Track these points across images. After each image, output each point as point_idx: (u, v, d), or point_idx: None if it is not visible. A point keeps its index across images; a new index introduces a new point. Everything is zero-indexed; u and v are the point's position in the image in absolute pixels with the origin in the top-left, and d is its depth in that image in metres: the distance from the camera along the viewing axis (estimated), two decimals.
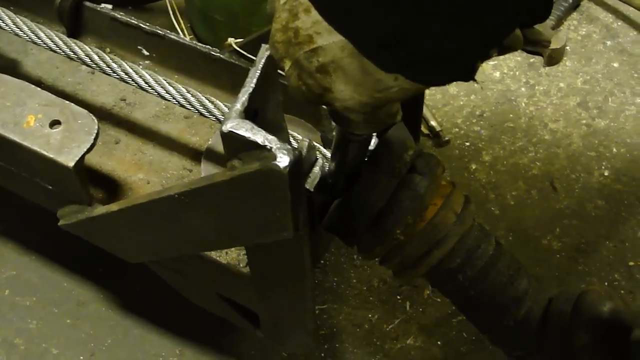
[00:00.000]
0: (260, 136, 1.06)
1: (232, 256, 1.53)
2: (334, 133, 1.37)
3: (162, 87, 1.59)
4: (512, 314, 1.46)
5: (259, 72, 1.16)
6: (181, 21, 2.69)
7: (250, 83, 1.15)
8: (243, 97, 1.12)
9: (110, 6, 1.97)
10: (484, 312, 1.47)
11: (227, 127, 1.07)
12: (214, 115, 1.57)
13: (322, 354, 2.12)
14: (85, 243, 2.06)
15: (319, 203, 1.36)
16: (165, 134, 1.81)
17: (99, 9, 1.96)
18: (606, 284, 2.27)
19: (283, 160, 1.03)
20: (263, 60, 1.18)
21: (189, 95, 1.57)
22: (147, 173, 1.73)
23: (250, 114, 1.13)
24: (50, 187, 1.55)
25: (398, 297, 2.22)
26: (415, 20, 0.89)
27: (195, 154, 1.77)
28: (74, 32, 1.99)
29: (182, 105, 1.58)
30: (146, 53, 1.94)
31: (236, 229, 1.23)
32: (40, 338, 2.19)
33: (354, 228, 1.36)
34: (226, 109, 1.52)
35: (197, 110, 1.57)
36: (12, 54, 2.00)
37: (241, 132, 1.07)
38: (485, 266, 1.42)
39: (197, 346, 2.15)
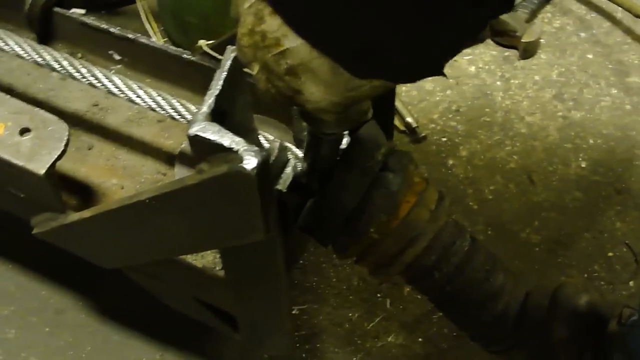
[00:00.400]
0: (226, 139, 1.06)
1: (208, 259, 1.53)
2: (305, 133, 1.37)
3: (132, 91, 1.59)
4: (489, 310, 1.46)
5: (225, 73, 1.16)
6: (153, 24, 2.68)
7: (217, 85, 1.15)
8: (209, 99, 1.12)
9: (82, 11, 1.96)
10: (461, 309, 1.48)
11: (194, 130, 1.07)
12: (185, 118, 1.56)
13: (303, 355, 2.11)
14: (62, 250, 2.05)
15: (292, 204, 1.35)
16: (138, 138, 1.80)
17: (68, 14, 1.94)
18: (586, 275, 2.27)
19: (250, 162, 1.03)
20: (229, 62, 1.18)
21: (159, 99, 1.57)
22: (121, 178, 1.72)
23: (218, 116, 1.12)
24: (22, 196, 1.54)
25: (378, 295, 2.22)
26: (390, 31, 0.89)
27: (169, 158, 1.76)
28: (45, 38, 1.97)
29: (153, 109, 1.57)
30: (117, 57, 1.93)
31: (207, 232, 1.23)
32: (19, 348, 2.17)
33: (328, 228, 1.36)
34: (178, 105, 1.52)
35: (168, 113, 1.56)
36: None
37: (207, 135, 1.07)
38: (461, 262, 1.42)
39: (178, 350, 2.14)
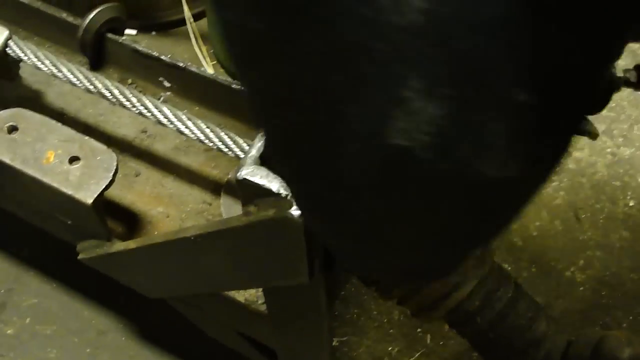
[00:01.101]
0: (275, 184, 1.05)
1: (250, 292, 1.53)
2: None
3: (180, 121, 1.58)
4: (530, 357, 1.44)
5: None
6: (203, 48, 2.69)
7: None
8: (258, 142, 1.12)
9: (134, 32, 1.97)
10: (503, 356, 1.46)
11: (242, 174, 1.07)
12: (232, 151, 1.55)
13: None
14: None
15: None
16: (185, 166, 1.81)
17: (120, 40, 1.96)
18: (630, 317, 2.24)
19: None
20: None
21: (207, 131, 1.56)
22: (166, 206, 1.73)
23: (267, 159, 1.12)
24: (69, 222, 1.56)
25: (419, 329, 2.20)
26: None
27: (215, 187, 1.76)
28: (97, 63, 1.99)
29: (200, 141, 1.57)
30: (167, 84, 1.94)
31: (251, 272, 1.23)
32: None
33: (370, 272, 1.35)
34: (245, 145, 1.51)
35: (215, 145, 1.56)
36: (35, 85, 2.01)
37: (255, 179, 1.06)
38: (504, 309, 1.40)
39: None
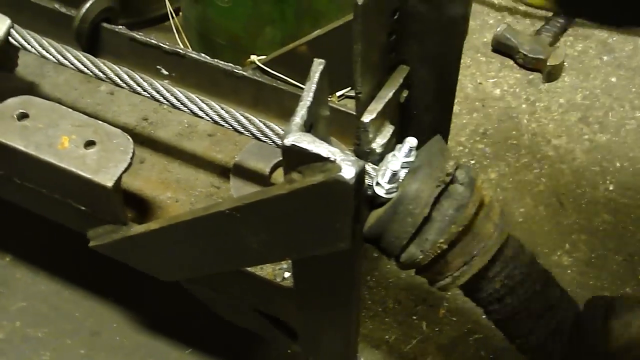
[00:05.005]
0: (323, 148, 1.06)
1: (267, 271, 1.53)
2: (371, 146, 1.39)
3: (194, 104, 1.58)
4: (546, 322, 1.48)
5: (315, 86, 1.17)
6: (186, 41, 2.68)
7: (307, 97, 1.15)
8: (302, 110, 1.13)
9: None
10: (519, 321, 1.49)
11: (290, 140, 1.07)
12: (268, 138, 1.54)
13: None
14: (95, 272, 2.05)
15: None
16: (190, 152, 1.81)
17: (117, 29, 1.96)
18: None
19: (349, 171, 1.04)
20: (317, 75, 1.18)
21: (224, 113, 1.56)
22: (175, 191, 1.73)
23: (307, 127, 1.13)
24: (83, 208, 1.54)
25: (414, 317, 2.22)
26: None
27: (222, 171, 1.77)
28: (91, 53, 1.98)
29: (216, 122, 1.57)
30: (165, 72, 1.94)
31: (289, 242, 1.23)
32: None
33: (397, 238, 1.37)
34: (262, 126, 1.51)
35: (233, 128, 1.55)
36: (29, 76, 1.99)
37: (303, 145, 1.07)
38: (522, 274, 1.44)
39: None
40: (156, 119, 1.89)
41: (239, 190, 1.70)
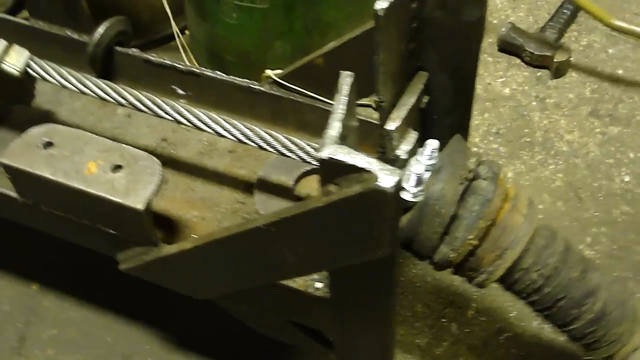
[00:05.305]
0: (360, 159, 1.07)
1: (299, 282, 1.54)
2: (396, 153, 1.41)
3: (217, 124, 1.60)
4: (588, 307, 1.49)
5: (345, 98, 1.18)
6: (193, 60, 2.70)
7: (339, 110, 1.17)
8: (335, 123, 1.14)
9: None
10: (561, 309, 1.50)
11: (326, 153, 1.08)
12: (294, 153, 1.56)
13: None
14: (123, 295, 2.05)
15: None
16: (212, 169, 1.82)
17: (130, 52, 1.97)
18: None
19: (388, 181, 1.05)
20: (347, 87, 1.19)
21: (247, 131, 1.58)
22: (200, 210, 1.74)
23: (341, 139, 1.14)
24: (112, 232, 1.55)
25: (443, 320, 2.23)
26: None
27: (245, 187, 1.78)
28: (106, 77, 1.99)
29: (240, 141, 1.58)
30: (181, 92, 1.95)
31: (326, 253, 1.24)
32: None
33: (428, 239, 1.39)
34: (287, 141, 1.53)
35: (257, 145, 1.56)
36: (45, 105, 2.00)
37: (340, 157, 1.08)
38: (557, 262, 1.46)
39: None
40: (175, 139, 1.90)
41: (264, 205, 1.71)
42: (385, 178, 1.05)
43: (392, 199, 1.06)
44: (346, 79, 1.21)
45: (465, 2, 1.37)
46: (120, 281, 1.73)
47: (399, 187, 1.07)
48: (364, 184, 1.07)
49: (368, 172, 1.07)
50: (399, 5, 1.30)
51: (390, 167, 1.06)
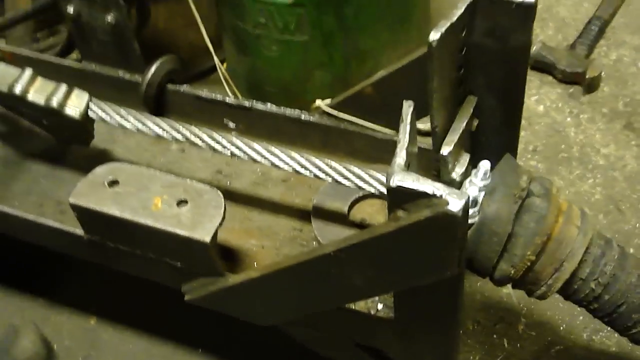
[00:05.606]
0: (428, 185, 1.12)
1: (360, 305, 1.58)
2: (451, 176, 1.46)
3: (274, 155, 1.65)
4: None
5: (409, 127, 1.23)
6: (237, 92, 2.76)
7: (404, 138, 1.22)
8: (401, 151, 1.19)
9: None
10: (622, 314, 1.54)
11: (395, 182, 1.14)
12: (330, 177, 1.61)
13: None
14: (181, 325, 2.10)
15: None
16: (267, 199, 1.88)
17: (181, 90, 2.04)
18: None
19: (456, 205, 1.10)
20: (409, 116, 1.25)
21: (304, 161, 1.63)
22: (259, 238, 1.80)
23: (407, 166, 1.20)
24: (178, 264, 1.60)
25: (494, 335, 2.26)
26: None
27: (301, 214, 1.83)
28: (158, 113, 2.06)
29: (296, 171, 1.63)
30: (232, 125, 2.02)
31: (395, 275, 1.29)
32: None
33: (487, 257, 1.44)
34: (343, 169, 1.58)
35: (314, 174, 1.61)
36: (100, 144, 2.07)
37: (408, 184, 1.13)
38: (614, 269, 1.50)
39: None
40: (230, 171, 1.96)
41: (321, 231, 1.76)
42: (454, 202, 1.10)
43: (460, 221, 1.11)
44: (408, 108, 1.27)
45: (513, 28, 1.42)
46: (179, 312, 1.77)
47: (466, 209, 1.12)
48: (433, 209, 1.12)
49: (436, 197, 1.12)
50: (449, 35, 1.35)
51: (457, 191, 1.11)
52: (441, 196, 1.11)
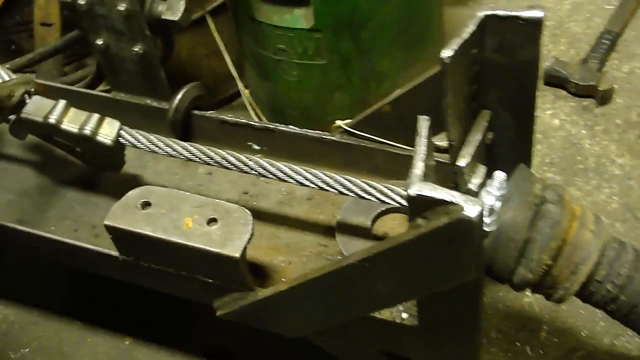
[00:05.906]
0: (445, 194, 1.20)
1: (386, 314, 1.65)
2: (469, 187, 1.53)
3: (299, 174, 1.73)
4: None
5: (425, 140, 1.31)
6: (262, 116, 2.84)
7: (421, 151, 1.29)
8: (418, 163, 1.27)
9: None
10: (639, 314, 1.59)
11: (414, 191, 1.21)
12: (354, 193, 1.69)
13: None
14: (213, 343, 2.16)
15: None
16: (293, 216, 1.96)
17: (207, 115, 2.12)
18: None
19: (472, 210, 1.17)
20: (425, 130, 1.32)
21: (328, 179, 1.71)
22: (286, 255, 1.87)
23: (424, 177, 1.27)
24: (209, 281, 1.67)
25: (517, 343, 2.32)
26: None
27: (326, 230, 1.91)
28: (185, 138, 2.14)
29: (321, 188, 1.71)
30: (257, 147, 2.10)
31: (416, 282, 1.36)
32: None
33: (505, 263, 1.51)
34: (365, 185, 1.66)
35: (337, 191, 1.69)
36: (131, 169, 2.15)
37: (427, 192, 1.21)
38: (630, 271, 1.56)
39: None
40: (256, 191, 2.04)
41: (346, 245, 1.83)
42: (470, 208, 1.17)
43: (477, 225, 1.18)
44: (424, 123, 1.34)
45: (521, 44, 1.49)
46: (210, 328, 1.83)
47: (482, 215, 1.19)
48: (451, 215, 1.19)
49: (453, 204, 1.19)
50: (461, 52, 1.42)
51: (473, 198, 1.18)
52: (458, 203, 1.18)
